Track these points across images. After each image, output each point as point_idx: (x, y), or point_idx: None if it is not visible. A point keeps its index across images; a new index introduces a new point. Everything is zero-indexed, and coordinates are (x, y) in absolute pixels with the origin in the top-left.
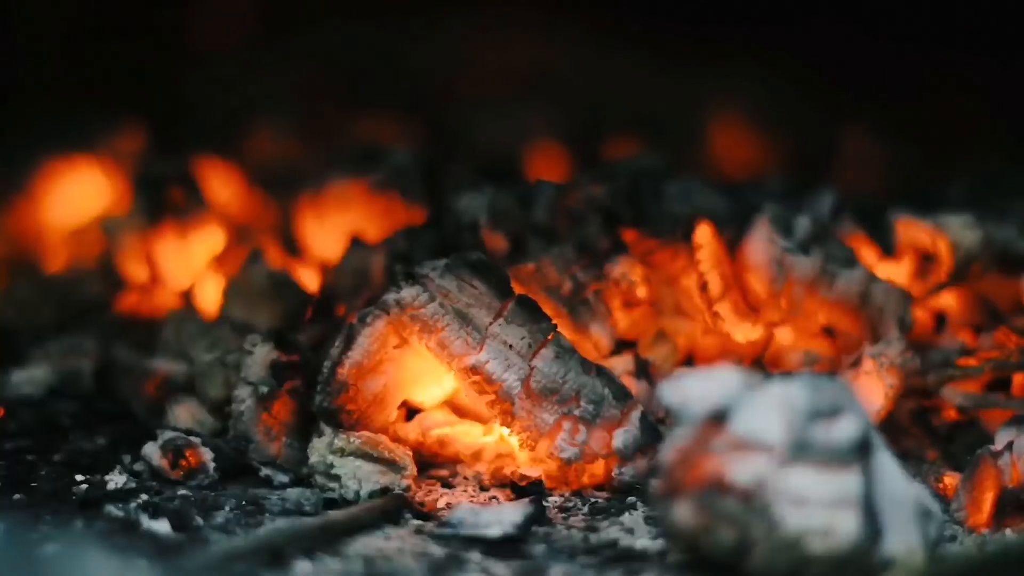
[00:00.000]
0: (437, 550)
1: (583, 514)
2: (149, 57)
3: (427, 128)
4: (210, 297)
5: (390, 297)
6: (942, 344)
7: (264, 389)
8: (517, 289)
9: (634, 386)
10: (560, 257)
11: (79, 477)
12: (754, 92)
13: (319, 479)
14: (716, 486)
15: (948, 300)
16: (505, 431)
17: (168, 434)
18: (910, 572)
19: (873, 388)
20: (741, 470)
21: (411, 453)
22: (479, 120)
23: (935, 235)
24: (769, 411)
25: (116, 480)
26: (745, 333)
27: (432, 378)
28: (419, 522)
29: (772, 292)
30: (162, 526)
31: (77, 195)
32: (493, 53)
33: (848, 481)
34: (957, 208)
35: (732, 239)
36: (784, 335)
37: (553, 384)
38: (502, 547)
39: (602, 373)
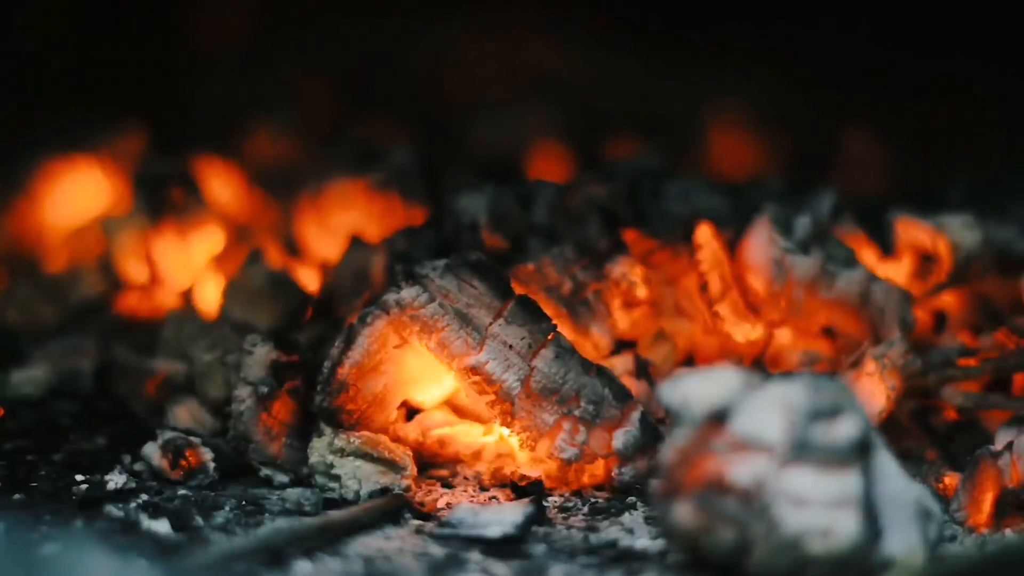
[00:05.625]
0: (437, 550)
1: (583, 514)
2: (149, 57)
3: (427, 128)
4: (210, 297)
5: (390, 297)
6: (942, 344)
7: (264, 389)
8: (517, 289)
9: (634, 386)
10: (560, 257)
11: (79, 477)
12: (754, 92)
13: (319, 479)
14: (716, 486)
15: (948, 300)
16: (505, 431)
17: (168, 434)
18: (910, 572)
19: (875, 389)
20: (741, 470)
21: (411, 453)
22: (479, 120)
23: (935, 235)
24: (769, 411)
25: (116, 480)
26: (745, 333)
27: (432, 378)
28: (419, 522)
29: (772, 292)
30: (162, 526)
31: (77, 195)
32: (493, 53)
33: (848, 481)
34: (957, 208)
35: (732, 239)
36: (784, 335)
37: (553, 384)
38: (502, 547)
39: (602, 373)
